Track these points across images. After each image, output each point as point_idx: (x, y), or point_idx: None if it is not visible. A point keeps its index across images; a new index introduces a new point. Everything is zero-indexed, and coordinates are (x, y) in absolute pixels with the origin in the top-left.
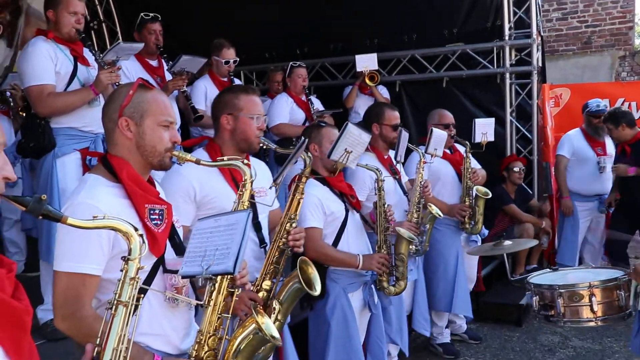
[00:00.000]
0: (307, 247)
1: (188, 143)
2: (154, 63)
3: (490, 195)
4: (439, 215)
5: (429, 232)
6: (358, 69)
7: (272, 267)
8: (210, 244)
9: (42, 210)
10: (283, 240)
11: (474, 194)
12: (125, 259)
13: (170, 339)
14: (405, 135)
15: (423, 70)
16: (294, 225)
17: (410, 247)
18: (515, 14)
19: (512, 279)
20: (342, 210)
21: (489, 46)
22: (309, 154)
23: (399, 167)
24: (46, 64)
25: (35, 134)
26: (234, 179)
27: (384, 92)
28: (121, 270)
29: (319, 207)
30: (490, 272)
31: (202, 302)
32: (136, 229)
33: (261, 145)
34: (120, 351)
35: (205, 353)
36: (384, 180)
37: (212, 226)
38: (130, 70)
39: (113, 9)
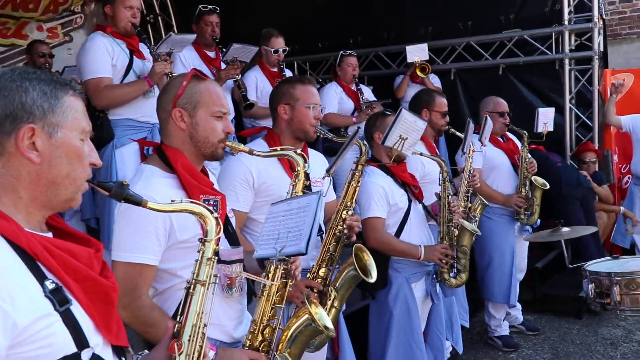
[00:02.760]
0: (368, 236)
1: (247, 133)
2: (211, 54)
3: (548, 187)
4: (487, 204)
5: (478, 221)
6: (409, 60)
7: (328, 254)
8: (283, 226)
9: (124, 194)
10: (339, 227)
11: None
12: (202, 240)
13: (224, 328)
14: (472, 126)
15: (478, 58)
16: (349, 212)
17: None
18: None
19: (570, 266)
20: (405, 200)
21: (548, 31)
22: (365, 142)
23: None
24: (103, 57)
25: (94, 126)
26: (292, 168)
27: (435, 81)
28: (198, 251)
29: (384, 197)
30: (548, 263)
31: (270, 282)
32: (212, 212)
33: (318, 134)
34: (199, 327)
35: (259, 342)
36: (448, 172)
37: (285, 209)
38: (188, 60)
39: (169, 3)
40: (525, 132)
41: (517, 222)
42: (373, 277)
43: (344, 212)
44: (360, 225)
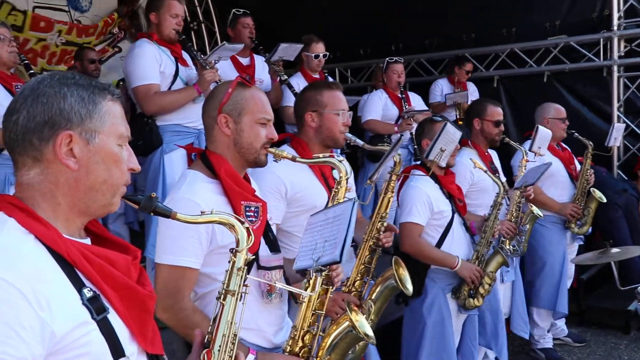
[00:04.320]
0: (403, 241)
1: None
2: (244, 61)
3: (605, 200)
4: (540, 215)
5: (529, 232)
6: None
7: (363, 266)
8: (320, 237)
9: (153, 207)
10: (374, 240)
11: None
12: (233, 251)
13: (264, 334)
14: (542, 131)
15: (522, 65)
16: (384, 224)
17: (508, 246)
18: (625, 2)
19: (621, 288)
20: (449, 210)
21: (595, 37)
22: (399, 152)
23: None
24: (151, 64)
25: (143, 132)
26: (324, 175)
27: (472, 90)
28: (229, 262)
29: (427, 204)
30: (595, 274)
31: (308, 293)
32: (242, 222)
33: (347, 141)
34: (229, 337)
35: (299, 348)
36: (504, 197)
37: (322, 219)
38: (220, 67)
39: (212, 10)
40: (590, 142)
41: (568, 230)
42: (410, 290)
43: (379, 223)
44: (392, 240)
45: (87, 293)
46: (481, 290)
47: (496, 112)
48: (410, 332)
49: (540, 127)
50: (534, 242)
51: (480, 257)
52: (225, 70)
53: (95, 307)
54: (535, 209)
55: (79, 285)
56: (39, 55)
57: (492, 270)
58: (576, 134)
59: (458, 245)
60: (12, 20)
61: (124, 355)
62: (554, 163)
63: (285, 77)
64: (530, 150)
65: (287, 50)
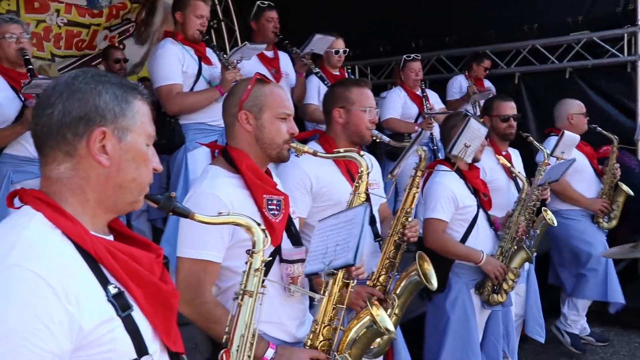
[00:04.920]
0: (427, 237)
1: (300, 136)
2: (269, 54)
3: (632, 194)
4: (553, 223)
5: (538, 238)
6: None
7: (387, 261)
8: (330, 241)
9: (172, 207)
10: (399, 235)
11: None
12: (250, 252)
13: (286, 327)
14: (568, 135)
15: (544, 61)
16: (409, 219)
17: None
18: None
19: None
20: (474, 205)
21: (619, 33)
22: (424, 148)
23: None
24: (174, 64)
25: (166, 132)
26: (349, 171)
27: (488, 86)
28: (246, 262)
29: (451, 200)
30: (618, 273)
31: (320, 295)
32: (259, 224)
33: (374, 138)
34: (247, 338)
35: (319, 342)
36: (528, 194)
37: (332, 224)
38: (248, 61)
39: (231, 8)
40: (615, 137)
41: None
42: (434, 285)
43: (404, 218)
44: (418, 234)
45: (113, 290)
46: (505, 286)
47: (502, 106)
48: (433, 328)
49: (566, 132)
50: (569, 238)
51: (504, 252)
52: (252, 64)
53: (120, 304)
54: (549, 215)
55: (104, 282)
56: (44, 39)
57: (516, 267)
58: (599, 128)
59: (482, 241)
60: (5, 6)
61: (147, 352)
62: (579, 158)
63: (318, 69)
64: (551, 154)
65: (320, 42)
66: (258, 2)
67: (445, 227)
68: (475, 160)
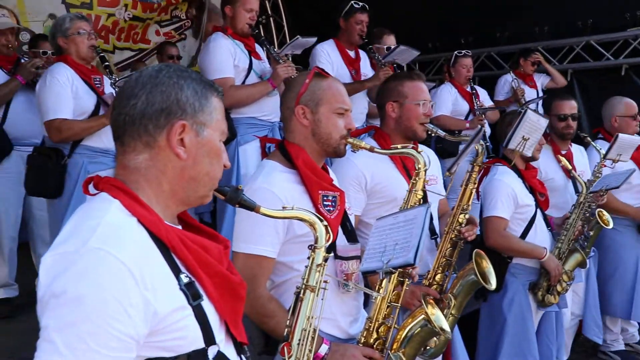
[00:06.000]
0: (488, 235)
1: (355, 133)
2: (352, 54)
3: None
4: (608, 225)
5: (592, 239)
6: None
7: (444, 260)
8: (389, 239)
9: (238, 199)
10: (455, 232)
11: None
12: (312, 247)
13: (339, 323)
14: (623, 138)
15: (599, 58)
16: (466, 216)
17: None
18: None
19: None
20: (533, 205)
21: None
22: (482, 142)
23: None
24: (227, 58)
25: None
26: (405, 167)
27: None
28: (308, 258)
29: (512, 198)
30: None
31: (377, 294)
32: (321, 220)
33: (429, 132)
34: (309, 332)
35: (373, 340)
36: (588, 196)
37: (390, 223)
38: (332, 58)
39: (280, 4)
40: None
41: None
42: (493, 284)
43: (461, 215)
44: (476, 232)
45: (184, 279)
46: (558, 287)
47: (560, 105)
48: (488, 328)
49: (620, 135)
50: (605, 247)
51: (561, 254)
52: (336, 62)
53: (191, 292)
54: (606, 216)
55: (176, 271)
56: (110, 32)
57: (570, 269)
58: None
59: (540, 241)
60: None
61: (215, 342)
62: (627, 165)
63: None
64: (605, 157)
65: (404, 54)
66: (352, 2)
67: (506, 225)
68: (533, 159)
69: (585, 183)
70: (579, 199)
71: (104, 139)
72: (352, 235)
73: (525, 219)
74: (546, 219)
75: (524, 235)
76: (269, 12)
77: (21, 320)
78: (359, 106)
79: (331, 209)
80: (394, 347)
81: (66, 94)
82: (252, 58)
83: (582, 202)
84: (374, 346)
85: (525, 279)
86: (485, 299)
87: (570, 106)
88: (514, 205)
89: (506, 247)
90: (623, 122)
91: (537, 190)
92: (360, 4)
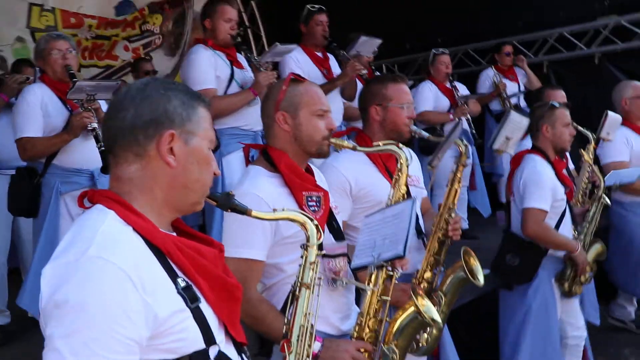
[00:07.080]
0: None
1: (335, 135)
2: (319, 55)
3: None
4: (608, 204)
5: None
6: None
7: (432, 258)
8: (378, 235)
9: (230, 204)
10: (442, 231)
11: None
12: (305, 246)
13: (330, 320)
14: (612, 116)
15: (572, 48)
16: (452, 215)
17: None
18: None
19: None
20: (565, 198)
21: None
22: (464, 141)
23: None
24: (208, 69)
25: None
26: (387, 170)
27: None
28: (301, 257)
29: (551, 190)
30: None
31: (370, 287)
32: (311, 219)
33: (412, 134)
34: (307, 328)
35: (366, 334)
36: (606, 192)
37: (378, 219)
38: (301, 62)
39: (257, 15)
40: None
41: None
42: (480, 281)
43: (447, 214)
44: (460, 232)
45: (182, 283)
46: (582, 278)
47: (552, 95)
48: (509, 316)
49: (609, 112)
50: (622, 231)
51: (585, 246)
52: (306, 63)
53: (189, 296)
54: (605, 198)
55: (173, 276)
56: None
57: (592, 260)
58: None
59: (568, 233)
60: (44, 22)
61: (215, 342)
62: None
63: (365, 71)
64: (598, 136)
65: (366, 45)
66: (308, 6)
67: (545, 216)
68: (564, 150)
69: (602, 180)
70: (598, 192)
71: (77, 157)
72: (338, 234)
73: (558, 213)
74: (572, 212)
75: (556, 227)
76: (247, 24)
77: (13, 347)
78: (336, 106)
79: (316, 209)
80: (387, 340)
81: (33, 112)
82: (234, 67)
83: (600, 195)
84: (367, 340)
85: (551, 268)
86: (511, 287)
87: (561, 95)
88: (551, 197)
89: (544, 238)
90: (633, 103)
91: (566, 184)
92: (317, 6)
